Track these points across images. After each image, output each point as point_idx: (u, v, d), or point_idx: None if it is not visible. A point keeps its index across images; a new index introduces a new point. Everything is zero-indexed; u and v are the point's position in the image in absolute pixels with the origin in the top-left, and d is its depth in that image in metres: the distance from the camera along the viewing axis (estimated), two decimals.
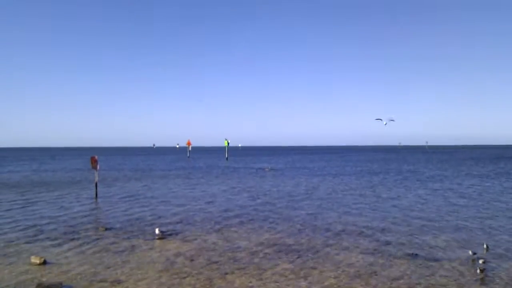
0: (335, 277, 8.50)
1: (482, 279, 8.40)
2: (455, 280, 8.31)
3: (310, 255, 10.25)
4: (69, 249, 10.80)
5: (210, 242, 11.63)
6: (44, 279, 8.31)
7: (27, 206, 18.43)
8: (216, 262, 9.60)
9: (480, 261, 9.15)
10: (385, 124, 34.85)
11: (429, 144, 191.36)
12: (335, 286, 8.00)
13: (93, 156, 21.52)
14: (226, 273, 8.78)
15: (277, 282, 8.20)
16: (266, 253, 10.39)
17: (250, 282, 8.24)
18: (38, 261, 9.44)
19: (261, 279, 8.38)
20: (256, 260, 9.81)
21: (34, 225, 14.04)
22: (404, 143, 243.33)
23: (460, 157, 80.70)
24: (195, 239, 12.00)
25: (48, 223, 14.38)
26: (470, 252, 9.99)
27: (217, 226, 13.82)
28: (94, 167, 21.29)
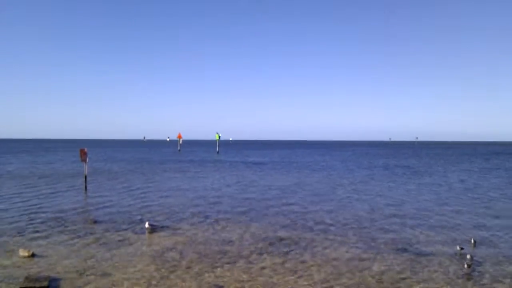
0: (324, 271, 8.54)
1: (469, 274, 8.51)
2: (442, 275, 8.40)
3: (300, 249, 10.29)
4: (58, 242, 10.72)
5: (200, 235, 11.62)
6: (32, 272, 8.24)
7: (16, 199, 18.24)
8: (205, 256, 9.60)
9: (468, 256, 9.26)
10: None
11: (418, 140, 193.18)
12: (324, 280, 8.04)
13: (82, 149, 21.29)
14: (216, 267, 8.78)
15: (267, 276, 8.22)
16: (256, 247, 10.40)
17: (240, 275, 8.25)
18: (26, 254, 9.36)
19: (250, 273, 8.40)
20: (245, 254, 9.82)
21: (23, 218, 13.90)
22: (394, 138, 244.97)
23: (449, 153, 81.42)
24: (185, 232, 11.98)
25: (37, 216, 14.24)
26: (458, 247, 10.11)
27: (207, 220, 13.81)
28: (84, 160, 21.09)
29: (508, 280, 8.15)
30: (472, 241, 10.86)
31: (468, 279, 8.18)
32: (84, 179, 21.64)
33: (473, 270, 8.71)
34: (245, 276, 8.22)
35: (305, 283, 7.87)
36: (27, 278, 7.75)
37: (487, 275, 8.42)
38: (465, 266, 8.84)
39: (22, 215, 14.44)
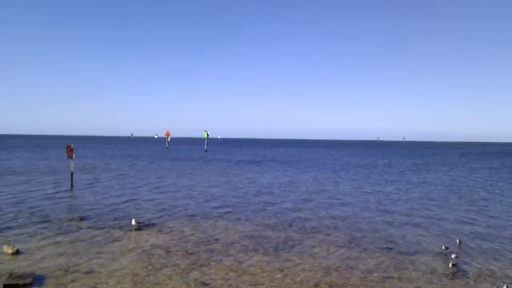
0: (310, 270, 8.58)
1: (453, 273, 8.61)
2: (427, 274, 8.50)
3: (286, 247, 10.32)
4: (43, 239, 10.60)
5: (187, 233, 11.59)
6: (16, 269, 8.14)
7: (1, 195, 17.98)
8: (192, 254, 9.57)
9: (453, 256, 9.37)
10: None
11: (406, 139, 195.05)
12: (310, 278, 8.08)
13: (68, 145, 21.04)
14: (203, 265, 8.76)
15: (253, 274, 8.23)
16: (243, 245, 10.41)
17: (227, 274, 8.24)
18: (10, 251, 9.23)
19: (237, 271, 8.40)
20: (232, 252, 9.82)
21: (7, 214, 13.71)
22: (382, 138, 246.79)
23: (438, 153, 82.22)
24: (172, 230, 11.93)
25: (22, 212, 14.06)
26: (443, 247, 10.22)
27: (195, 218, 13.77)
28: (70, 157, 20.85)
29: (492, 279, 8.28)
30: (458, 240, 10.99)
31: (453, 278, 8.29)
32: (70, 176, 21.41)
33: (458, 270, 8.82)
34: (232, 274, 8.22)
35: (292, 281, 7.90)
36: (11, 275, 7.65)
37: (471, 275, 8.54)
38: (450, 265, 8.94)
39: (5, 211, 14.23)
